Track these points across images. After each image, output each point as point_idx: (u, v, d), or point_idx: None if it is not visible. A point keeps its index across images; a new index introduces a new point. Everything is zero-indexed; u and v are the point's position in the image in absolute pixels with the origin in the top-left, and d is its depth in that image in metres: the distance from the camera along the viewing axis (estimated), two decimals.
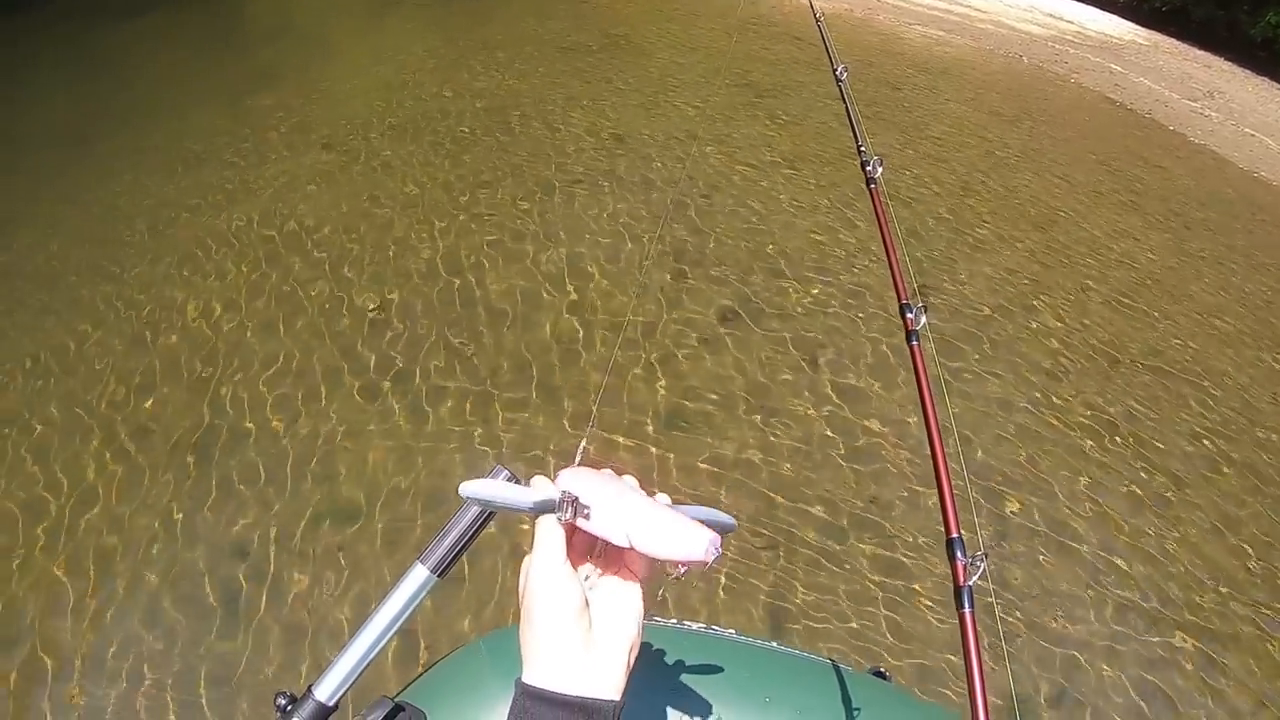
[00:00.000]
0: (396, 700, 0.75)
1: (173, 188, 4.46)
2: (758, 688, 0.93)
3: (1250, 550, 3.05)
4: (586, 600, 0.56)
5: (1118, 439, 3.43)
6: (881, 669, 1.16)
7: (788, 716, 0.90)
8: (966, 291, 4.14)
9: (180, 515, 2.66)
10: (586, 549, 0.61)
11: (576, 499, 0.57)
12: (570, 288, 3.77)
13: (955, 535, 0.88)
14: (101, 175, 4.61)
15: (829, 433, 3.17)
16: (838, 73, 2.04)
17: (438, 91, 5.64)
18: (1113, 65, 8.64)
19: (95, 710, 2.16)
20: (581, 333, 3.51)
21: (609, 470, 0.64)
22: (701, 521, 0.58)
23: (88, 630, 2.35)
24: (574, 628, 0.53)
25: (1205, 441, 3.53)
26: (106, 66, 6.16)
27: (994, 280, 4.30)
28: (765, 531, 2.75)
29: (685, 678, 0.90)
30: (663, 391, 3.25)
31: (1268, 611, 2.81)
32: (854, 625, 2.51)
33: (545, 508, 0.57)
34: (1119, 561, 2.89)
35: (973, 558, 0.84)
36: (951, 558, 0.86)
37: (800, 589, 2.58)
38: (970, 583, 0.83)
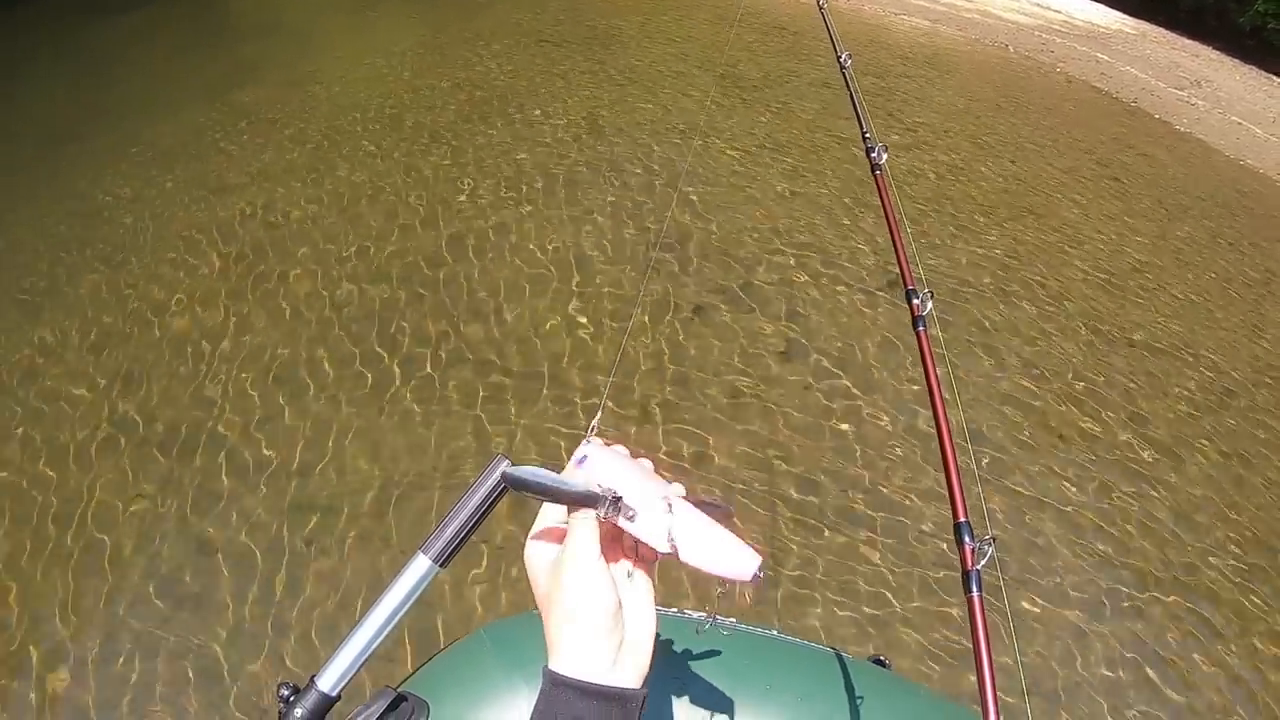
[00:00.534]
0: (399, 690, 0.77)
1: (158, 182, 4.48)
2: (758, 675, 0.95)
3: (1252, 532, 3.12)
4: (616, 592, 0.57)
5: (1109, 414, 3.49)
6: (881, 657, 1.19)
7: (788, 703, 0.92)
8: (950, 274, 4.20)
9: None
10: (617, 541, 0.61)
11: (620, 498, 0.57)
12: (576, 275, 3.83)
13: (963, 520, 0.89)
14: (88, 171, 4.65)
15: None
16: (842, 59, 2.07)
17: (428, 83, 5.68)
18: (1099, 54, 8.72)
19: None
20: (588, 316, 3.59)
21: (621, 447, 0.66)
22: (704, 505, 0.61)
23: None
24: (612, 623, 0.55)
25: (1198, 420, 3.60)
26: (96, 62, 6.20)
27: (975, 265, 4.36)
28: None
29: (687, 666, 0.92)
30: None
31: None
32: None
33: (587, 502, 0.57)
34: (1119, 535, 2.95)
35: (980, 542, 0.86)
36: (960, 542, 0.87)
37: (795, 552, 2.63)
38: (978, 567, 0.84)
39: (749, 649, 1.01)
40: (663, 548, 0.57)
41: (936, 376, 1.08)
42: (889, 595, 2.61)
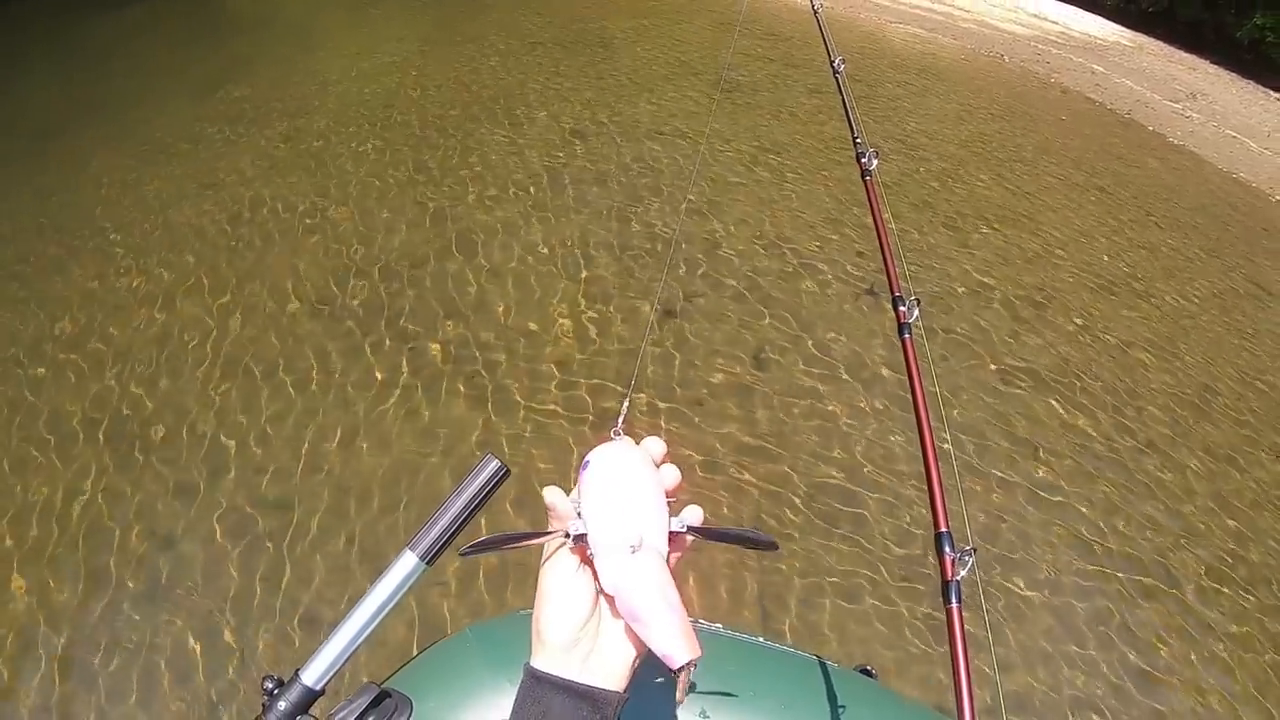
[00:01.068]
0: (383, 686, 0.78)
1: (149, 176, 4.56)
2: (743, 681, 0.96)
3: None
4: (597, 596, 0.59)
5: (1094, 422, 3.54)
6: (868, 667, 1.20)
7: (773, 711, 0.93)
8: (935, 282, 4.26)
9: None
10: None
11: (583, 535, 0.59)
12: (588, 266, 3.96)
13: (944, 530, 0.90)
14: (78, 164, 4.72)
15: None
16: (835, 64, 2.09)
17: (426, 81, 5.78)
18: (1095, 66, 8.81)
19: None
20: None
21: (655, 442, 0.66)
22: (743, 539, 0.61)
23: None
24: (577, 632, 0.57)
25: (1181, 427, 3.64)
26: (92, 57, 6.28)
27: (961, 273, 4.41)
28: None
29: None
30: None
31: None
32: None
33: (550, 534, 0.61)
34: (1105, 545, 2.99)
35: (961, 552, 0.87)
36: (940, 552, 0.88)
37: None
38: (959, 577, 0.85)
39: (734, 655, 1.03)
40: (607, 591, 0.58)
41: (921, 385, 1.09)
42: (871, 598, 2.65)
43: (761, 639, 1.10)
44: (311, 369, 3.29)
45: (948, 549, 0.88)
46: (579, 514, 0.60)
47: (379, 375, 3.27)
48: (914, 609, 2.65)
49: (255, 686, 0.74)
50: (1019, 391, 3.67)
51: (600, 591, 0.59)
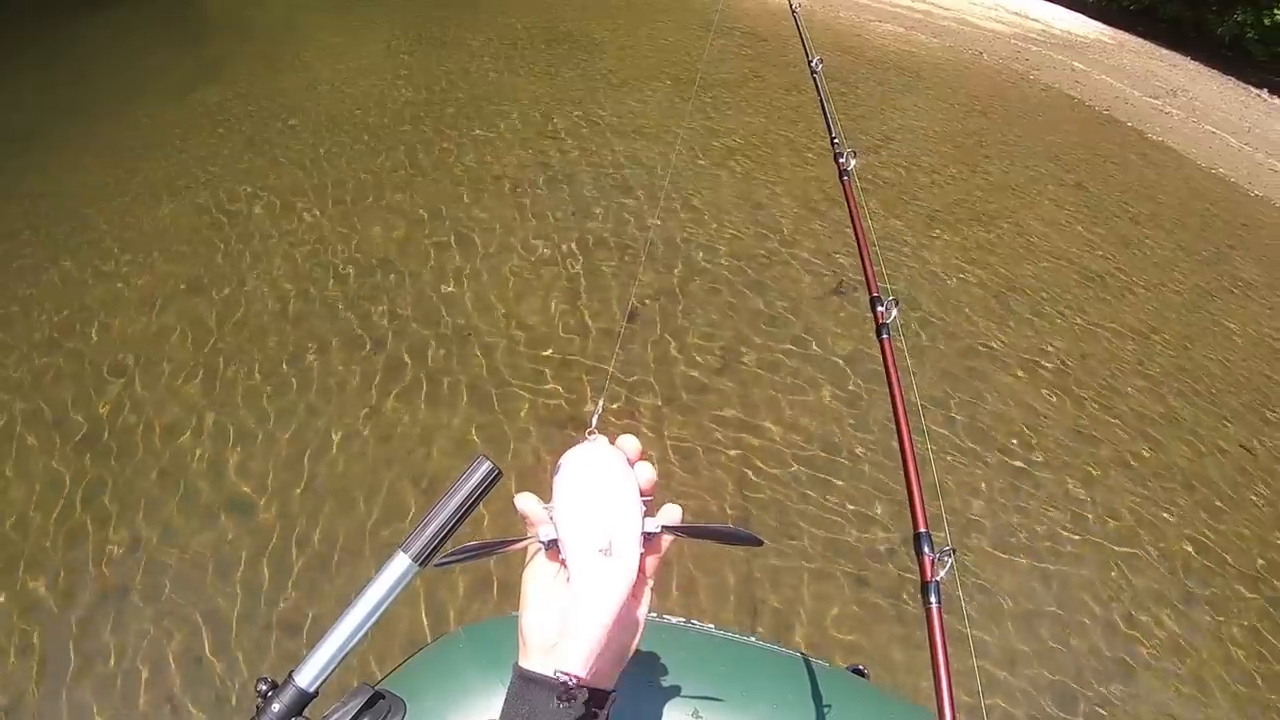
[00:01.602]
0: (376, 688, 0.78)
1: (121, 179, 4.54)
2: (735, 682, 0.96)
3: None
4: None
5: (1086, 413, 3.53)
6: (860, 666, 1.21)
7: (764, 711, 0.93)
8: (909, 280, 4.26)
9: None
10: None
11: (554, 541, 0.60)
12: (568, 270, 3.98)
13: (923, 530, 0.91)
14: (48, 168, 4.70)
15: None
16: (813, 64, 2.12)
17: (406, 84, 5.80)
18: (1075, 63, 8.87)
19: None
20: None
21: (631, 441, 0.66)
22: (725, 536, 0.62)
23: None
24: (558, 626, 0.58)
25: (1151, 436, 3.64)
26: (69, 61, 6.25)
27: (931, 270, 4.41)
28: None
29: (663, 669, 0.93)
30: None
31: None
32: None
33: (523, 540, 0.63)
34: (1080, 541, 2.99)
35: (940, 553, 0.88)
36: (919, 553, 0.89)
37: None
38: (938, 578, 0.86)
39: (725, 654, 1.03)
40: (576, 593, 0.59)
41: (900, 385, 1.10)
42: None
43: (753, 639, 1.11)
44: (284, 368, 3.29)
45: (927, 549, 0.88)
46: (551, 518, 0.61)
47: (357, 378, 3.27)
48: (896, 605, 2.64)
49: (249, 688, 0.72)
50: (995, 385, 3.68)
51: None
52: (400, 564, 0.69)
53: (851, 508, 2.97)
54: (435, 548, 0.69)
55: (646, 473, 0.64)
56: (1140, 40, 10.47)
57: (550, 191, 4.60)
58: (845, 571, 2.75)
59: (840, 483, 3.06)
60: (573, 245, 4.14)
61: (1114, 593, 2.87)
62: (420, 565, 0.69)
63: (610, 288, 3.89)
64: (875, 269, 1.36)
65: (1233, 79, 9.72)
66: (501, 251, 4.05)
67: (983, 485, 3.17)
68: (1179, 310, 4.66)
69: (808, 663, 1.03)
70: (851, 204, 1.51)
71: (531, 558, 0.63)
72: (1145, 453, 3.53)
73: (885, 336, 1.22)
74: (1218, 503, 3.36)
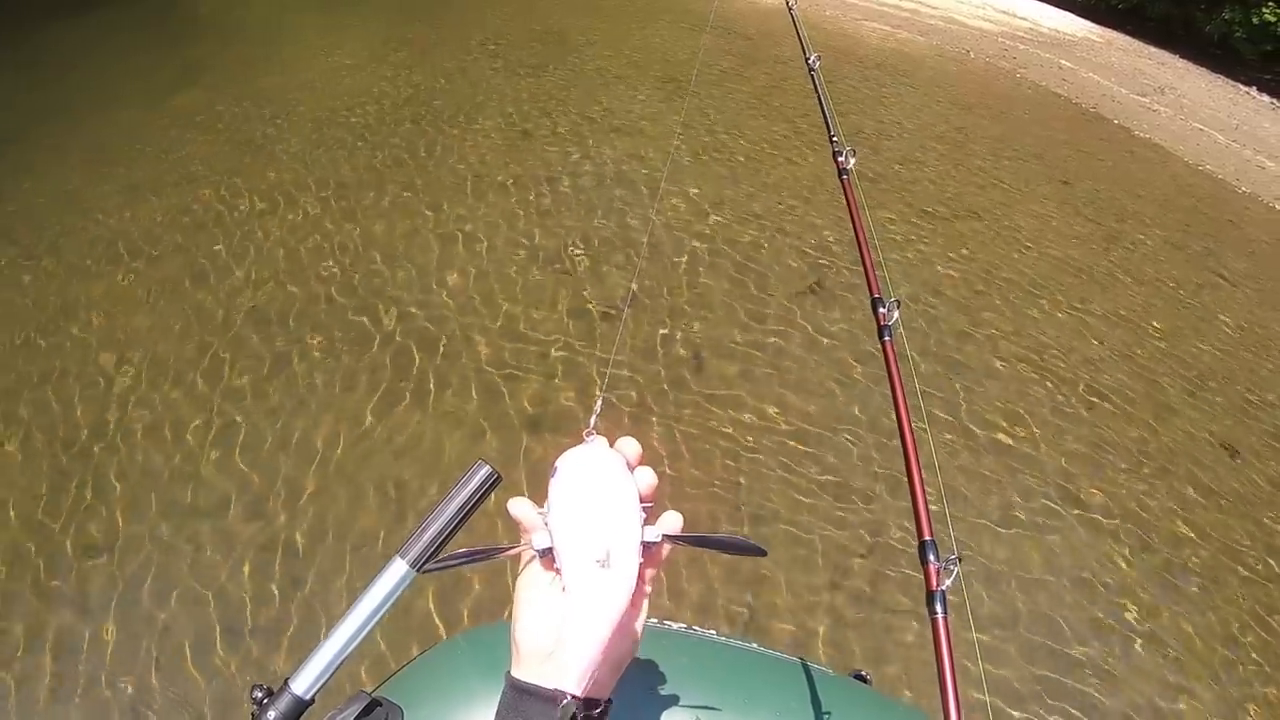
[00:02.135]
0: (373, 695, 0.78)
1: (99, 182, 4.54)
2: (736, 689, 0.96)
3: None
4: None
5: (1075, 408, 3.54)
6: (863, 672, 1.21)
7: (767, 717, 0.93)
8: (899, 280, 4.27)
9: None
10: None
11: (550, 549, 0.59)
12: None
13: (929, 538, 0.90)
14: (26, 171, 4.69)
15: None
16: (810, 61, 2.11)
17: (389, 86, 5.80)
18: (1062, 61, 8.94)
19: None
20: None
21: (631, 443, 0.64)
22: (729, 546, 0.60)
23: None
24: (554, 634, 0.57)
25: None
26: (51, 64, 6.24)
27: (914, 269, 4.43)
28: None
29: (663, 676, 0.93)
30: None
31: None
32: None
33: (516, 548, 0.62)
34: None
35: (946, 561, 0.87)
36: (924, 561, 0.88)
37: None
38: (944, 587, 0.85)
39: (727, 661, 1.03)
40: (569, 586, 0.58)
41: (903, 388, 1.08)
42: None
43: (754, 645, 1.11)
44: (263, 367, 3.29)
45: (932, 558, 0.87)
46: (546, 524, 0.59)
47: (349, 376, 3.28)
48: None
49: (244, 695, 0.72)
50: (986, 376, 3.69)
51: None
52: (397, 570, 0.69)
53: (853, 500, 2.98)
54: (433, 553, 0.68)
55: (647, 478, 0.62)
56: (1128, 38, 10.55)
57: (547, 188, 4.63)
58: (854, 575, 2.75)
59: (841, 479, 3.07)
60: (572, 241, 4.18)
61: (1120, 584, 2.88)
62: (418, 571, 0.69)
63: (607, 284, 3.91)
64: (877, 270, 1.35)
65: (1221, 77, 9.81)
66: (498, 248, 4.08)
67: (981, 479, 3.19)
68: (1171, 304, 4.69)
69: (809, 669, 1.03)
70: (851, 203, 1.50)
71: (526, 564, 0.62)
72: (1149, 446, 3.55)
73: (887, 339, 1.21)
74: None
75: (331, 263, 3.89)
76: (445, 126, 5.24)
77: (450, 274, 3.87)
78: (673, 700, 0.90)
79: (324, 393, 3.19)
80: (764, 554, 0.61)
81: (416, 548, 0.68)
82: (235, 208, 4.29)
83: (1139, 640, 2.73)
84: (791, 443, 3.20)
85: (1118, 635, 2.73)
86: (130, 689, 2.25)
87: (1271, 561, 3.14)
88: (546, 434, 3.09)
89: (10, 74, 5.89)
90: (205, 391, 3.17)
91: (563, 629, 0.56)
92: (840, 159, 1.63)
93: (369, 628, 0.70)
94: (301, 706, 0.68)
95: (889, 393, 1.10)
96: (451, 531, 0.69)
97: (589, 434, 0.67)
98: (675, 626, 1.07)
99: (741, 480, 3.02)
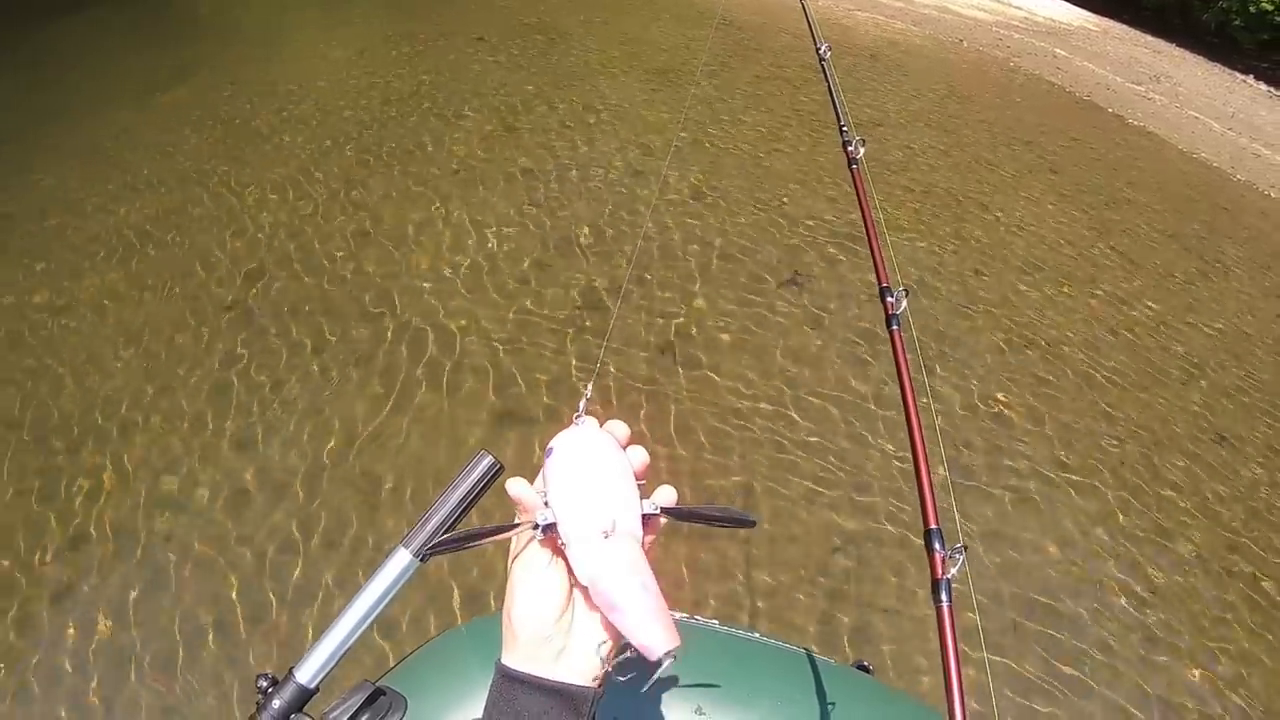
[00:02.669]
0: (377, 684, 0.80)
1: (89, 182, 4.57)
2: (739, 678, 0.98)
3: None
4: (571, 588, 0.59)
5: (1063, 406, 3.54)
6: (865, 662, 1.23)
7: (768, 707, 0.95)
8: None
9: None
10: None
11: (553, 525, 0.59)
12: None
13: (934, 527, 0.90)
14: (29, 167, 4.73)
15: None
16: (820, 50, 2.13)
17: (384, 84, 5.82)
18: (1057, 49, 8.94)
19: None
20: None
21: (619, 425, 0.65)
22: (721, 518, 0.62)
23: None
24: (554, 617, 0.57)
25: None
26: (44, 63, 6.27)
27: (917, 260, 4.44)
28: None
29: (664, 666, 0.93)
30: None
31: None
32: None
33: (518, 527, 0.61)
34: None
35: (951, 550, 0.87)
36: (930, 550, 0.88)
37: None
38: (949, 575, 0.85)
39: (730, 651, 1.05)
40: (582, 582, 0.57)
41: (910, 378, 1.09)
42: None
43: (758, 634, 1.12)
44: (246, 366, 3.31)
45: (938, 546, 0.88)
46: (546, 503, 0.60)
47: (353, 368, 3.31)
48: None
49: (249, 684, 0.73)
50: (987, 367, 3.70)
51: (574, 584, 0.59)
52: (401, 559, 0.70)
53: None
54: (436, 543, 0.69)
55: (640, 456, 0.64)
56: (1125, 27, 10.56)
57: (548, 178, 4.67)
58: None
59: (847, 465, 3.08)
60: (569, 228, 4.22)
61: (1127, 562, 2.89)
62: (421, 560, 0.70)
63: (602, 270, 3.94)
64: (885, 259, 1.36)
65: (1218, 65, 9.81)
66: (496, 234, 4.13)
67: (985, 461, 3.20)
68: (1165, 290, 4.69)
69: (812, 659, 1.05)
70: (860, 193, 1.50)
71: (521, 547, 0.61)
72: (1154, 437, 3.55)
73: (895, 328, 1.21)
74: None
75: (338, 253, 3.95)
76: (450, 118, 5.29)
77: (443, 263, 3.91)
78: (674, 689, 0.91)
79: (336, 382, 3.22)
80: (753, 524, 0.63)
81: (420, 537, 0.70)
82: (235, 200, 4.33)
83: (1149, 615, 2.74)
84: (789, 423, 3.21)
85: (1128, 617, 2.74)
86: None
87: None
88: (534, 423, 3.11)
89: (10, 74, 5.95)
90: (206, 388, 3.21)
91: (574, 618, 0.58)
92: (850, 149, 1.63)
93: (373, 617, 0.71)
94: (306, 695, 0.69)
95: (897, 383, 1.12)
96: (455, 521, 0.70)
97: (579, 417, 0.68)
98: (676, 615, 1.08)
99: (736, 459, 3.06)
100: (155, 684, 2.23)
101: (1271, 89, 9.25)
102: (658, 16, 7.78)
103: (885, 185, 5.18)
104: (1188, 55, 9.93)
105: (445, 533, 0.70)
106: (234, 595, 2.47)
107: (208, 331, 3.44)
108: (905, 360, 1.11)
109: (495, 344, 3.45)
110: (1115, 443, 3.48)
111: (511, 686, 0.57)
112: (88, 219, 4.20)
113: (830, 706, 0.96)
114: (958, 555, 0.85)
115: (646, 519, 0.60)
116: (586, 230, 4.21)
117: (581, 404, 0.69)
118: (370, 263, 3.88)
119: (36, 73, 6.01)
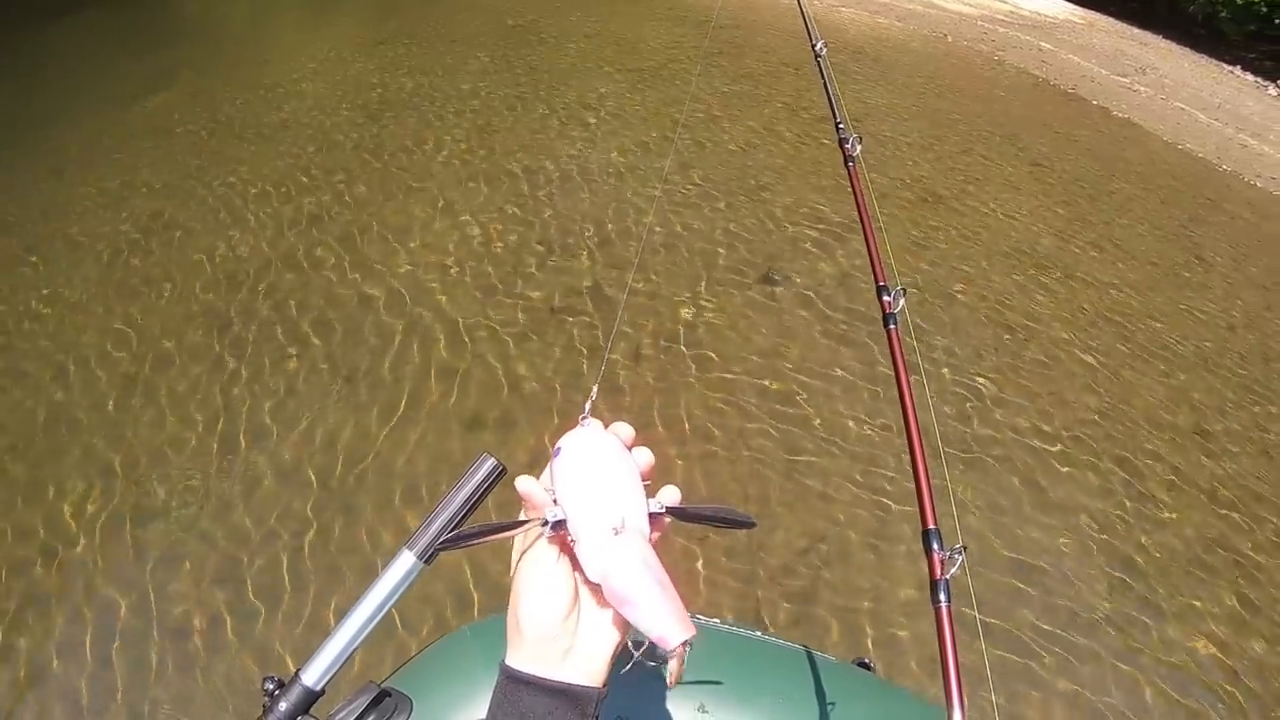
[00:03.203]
0: (382, 686, 0.80)
1: (73, 188, 4.60)
2: (740, 675, 0.99)
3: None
4: (577, 588, 0.59)
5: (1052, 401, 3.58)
6: (866, 660, 1.23)
7: (769, 704, 0.96)
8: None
9: None
10: None
11: (562, 521, 0.59)
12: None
13: (932, 527, 0.90)
14: (24, 168, 4.79)
15: None
16: (816, 48, 2.11)
17: (371, 89, 5.87)
18: (1042, 43, 9.02)
19: None
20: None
21: (624, 427, 0.66)
22: (722, 519, 0.63)
23: None
24: (561, 615, 0.57)
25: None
26: (27, 67, 6.27)
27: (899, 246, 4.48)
28: None
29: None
30: None
31: None
32: None
33: (527, 524, 0.62)
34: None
35: (950, 551, 0.87)
36: (928, 550, 0.88)
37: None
38: (948, 576, 0.85)
39: (732, 648, 1.06)
40: (593, 578, 0.57)
41: (908, 377, 1.08)
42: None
43: (759, 632, 1.13)
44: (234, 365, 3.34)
45: (936, 547, 0.88)
46: (555, 500, 0.61)
47: (353, 368, 3.33)
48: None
49: (255, 686, 0.75)
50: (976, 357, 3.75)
51: (582, 581, 0.59)
52: (405, 562, 0.71)
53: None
54: (440, 545, 0.70)
55: (645, 457, 0.64)
56: (1111, 20, 10.65)
57: (549, 179, 4.72)
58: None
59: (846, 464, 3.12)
60: (569, 229, 4.26)
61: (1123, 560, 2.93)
62: (425, 563, 0.71)
63: (605, 274, 3.97)
64: (882, 257, 1.35)
65: (1205, 57, 9.91)
66: (495, 233, 4.17)
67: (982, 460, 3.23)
68: (1149, 282, 4.75)
69: (812, 656, 1.06)
70: (857, 190, 1.49)
71: (527, 546, 0.61)
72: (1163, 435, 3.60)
73: (892, 326, 1.21)
74: None
75: (336, 253, 3.98)
76: (448, 117, 5.35)
77: (449, 260, 3.97)
78: (675, 687, 0.90)
79: (335, 385, 3.25)
80: (754, 526, 0.64)
81: (424, 540, 0.71)
82: (233, 197, 4.40)
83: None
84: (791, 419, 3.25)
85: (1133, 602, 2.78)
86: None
87: None
88: (534, 425, 3.12)
89: (11, 78, 6.00)
90: (205, 383, 3.24)
91: (580, 617, 0.58)
92: (846, 146, 1.62)
93: (378, 619, 0.72)
94: (312, 697, 0.70)
95: (894, 382, 1.11)
96: (458, 523, 0.71)
97: (584, 419, 0.68)
98: None
99: (736, 459, 3.08)
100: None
101: (1259, 79, 9.34)
102: (652, 14, 7.85)
103: (871, 179, 5.23)
104: (1174, 47, 10.02)
105: (449, 535, 0.70)
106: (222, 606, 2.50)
107: (201, 332, 3.47)
108: (903, 359, 1.12)
109: (498, 342, 3.48)
110: (1117, 433, 3.52)
111: (515, 688, 0.57)
112: (87, 217, 4.25)
113: (831, 704, 0.97)
114: (957, 556, 0.86)
115: (653, 518, 0.61)
116: (590, 229, 4.25)
117: (587, 405, 0.70)
118: (369, 262, 3.91)
119: (37, 75, 6.09)
